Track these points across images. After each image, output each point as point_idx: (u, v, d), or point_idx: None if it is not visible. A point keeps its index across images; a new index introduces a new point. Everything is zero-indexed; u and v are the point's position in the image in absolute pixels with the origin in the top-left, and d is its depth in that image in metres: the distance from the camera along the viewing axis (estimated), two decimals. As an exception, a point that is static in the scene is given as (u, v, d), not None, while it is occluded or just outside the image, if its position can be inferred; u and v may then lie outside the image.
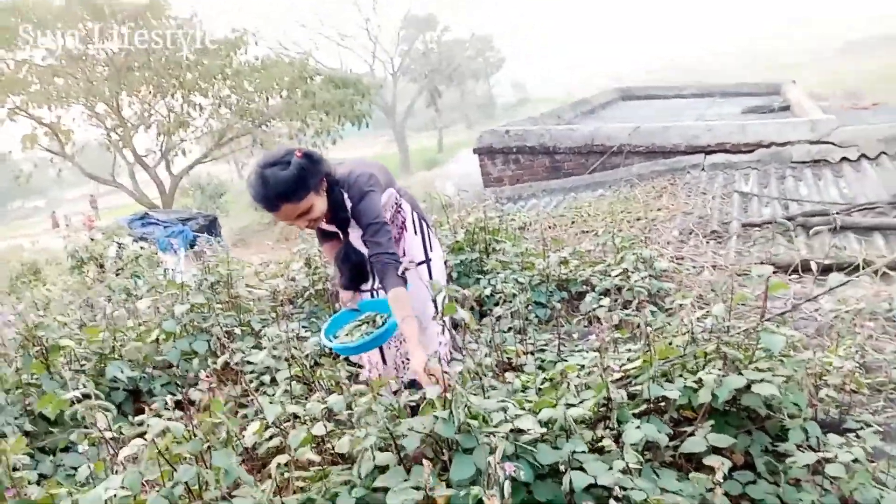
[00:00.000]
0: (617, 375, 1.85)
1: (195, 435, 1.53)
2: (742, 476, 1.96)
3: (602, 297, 3.19)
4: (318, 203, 2.19)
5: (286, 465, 1.89)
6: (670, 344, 1.99)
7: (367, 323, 2.33)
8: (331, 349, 2.32)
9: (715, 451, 1.89)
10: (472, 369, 2.04)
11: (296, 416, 1.96)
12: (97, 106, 18.45)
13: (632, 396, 1.97)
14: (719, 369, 1.98)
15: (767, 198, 6.21)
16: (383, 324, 2.24)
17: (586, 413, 1.72)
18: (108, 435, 2.14)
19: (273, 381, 2.74)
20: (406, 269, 2.07)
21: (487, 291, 3.18)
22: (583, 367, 2.15)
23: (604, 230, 3.71)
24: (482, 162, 8.63)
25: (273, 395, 2.61)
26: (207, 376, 1.83)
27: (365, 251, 2.30)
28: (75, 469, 2.33)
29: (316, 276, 3.50)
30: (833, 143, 6.75)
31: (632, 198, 7.18)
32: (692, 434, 1.93)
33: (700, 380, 1.95)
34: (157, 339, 3.13)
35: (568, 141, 8.07)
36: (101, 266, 7.57)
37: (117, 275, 6.95)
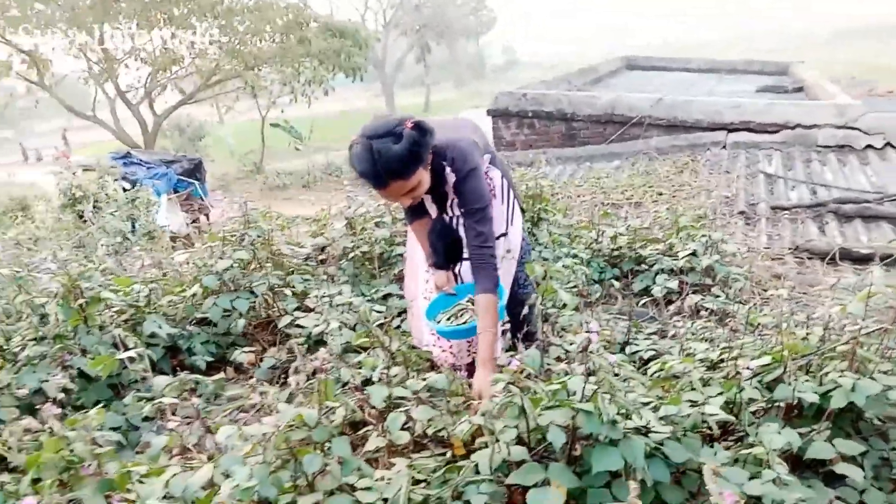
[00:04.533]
0: (747, 374, 1.71)
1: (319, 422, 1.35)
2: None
3: (669, 277, 3.06)
4: (425, 178, 2.01)
5: (383, 450, 1.73)
6: (804, 338, 1.85)
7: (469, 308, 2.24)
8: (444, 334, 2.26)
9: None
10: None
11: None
12: (79, 37, 17.50)
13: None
14: (843, 371, 1.85)
15: (794, 181, 6.11)
16: None
17: (720, 415, 1.58)
18: (166, 401, 1.96)
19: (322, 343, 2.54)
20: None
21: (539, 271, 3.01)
22: (700, 357, 2.01)
23: (667, 207, 3.54)
24: (495, 124, 8.37)
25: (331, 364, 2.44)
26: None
27: (461, 229, 2.18)
28: (114, 430, 2.14)
29: (361, 238, 3.28)
30: (860, 130, 6.65)
31: (652, 172, 7.03)
32: (811, 438, 1.82)
33: (821, 381, 1.83)
34: (194, 295, 2.92)
35: (587, 109, 7.84)
36: (97, 205, 7.20)
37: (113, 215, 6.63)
